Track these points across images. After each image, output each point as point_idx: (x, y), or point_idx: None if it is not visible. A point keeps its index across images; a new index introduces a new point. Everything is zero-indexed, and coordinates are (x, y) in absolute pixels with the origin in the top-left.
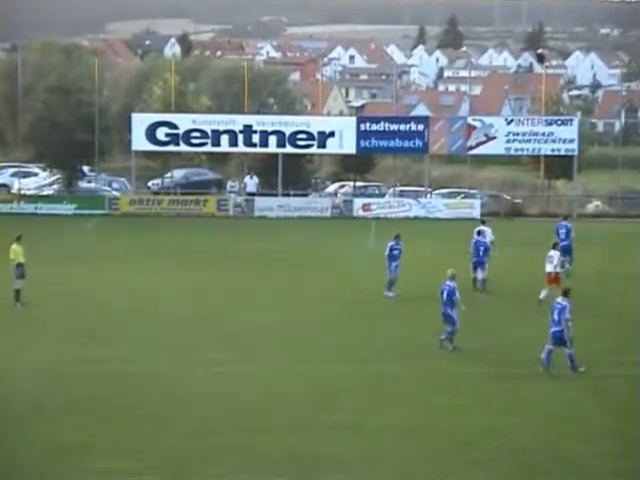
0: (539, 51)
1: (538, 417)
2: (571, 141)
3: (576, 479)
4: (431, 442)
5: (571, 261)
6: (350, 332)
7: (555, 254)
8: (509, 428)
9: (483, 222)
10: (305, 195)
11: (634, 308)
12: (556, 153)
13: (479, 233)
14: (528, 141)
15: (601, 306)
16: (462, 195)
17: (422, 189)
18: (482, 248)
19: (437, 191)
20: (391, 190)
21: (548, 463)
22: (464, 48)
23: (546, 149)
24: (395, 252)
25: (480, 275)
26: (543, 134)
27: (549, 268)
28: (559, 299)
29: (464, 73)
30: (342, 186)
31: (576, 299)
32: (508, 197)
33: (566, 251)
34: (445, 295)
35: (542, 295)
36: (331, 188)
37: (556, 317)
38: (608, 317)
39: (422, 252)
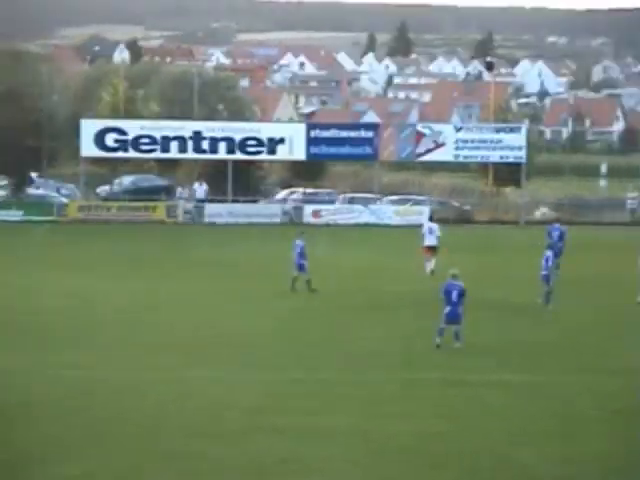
0: (488, 59)
1: (484, 422)
2: (519, 148)
3: None
4: (376, 446)
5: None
6: (301, 338)
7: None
8: (455, 433)
9: (431, 219)
10: (255, 201)
11: (589, 313)
12: (504, 160)
13: (430, 230)
14: (477, 148)
15: (546, 312)
16: (411, 202)
17: (372, 196)
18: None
19: (387, 198)
20: (341, 197)
21: (493, 468)
22: (414, 55)
23: (495, 156)
24: (301, 251)
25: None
26: (492, 141)
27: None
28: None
29: (413, 80)
30: (292, 192)
31: (522, 303)
32: (457, 204)
33: (558, 254)
34: (455, 295)
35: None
36: (281, 194)
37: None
38: (555, 322)
39: (370, 258)
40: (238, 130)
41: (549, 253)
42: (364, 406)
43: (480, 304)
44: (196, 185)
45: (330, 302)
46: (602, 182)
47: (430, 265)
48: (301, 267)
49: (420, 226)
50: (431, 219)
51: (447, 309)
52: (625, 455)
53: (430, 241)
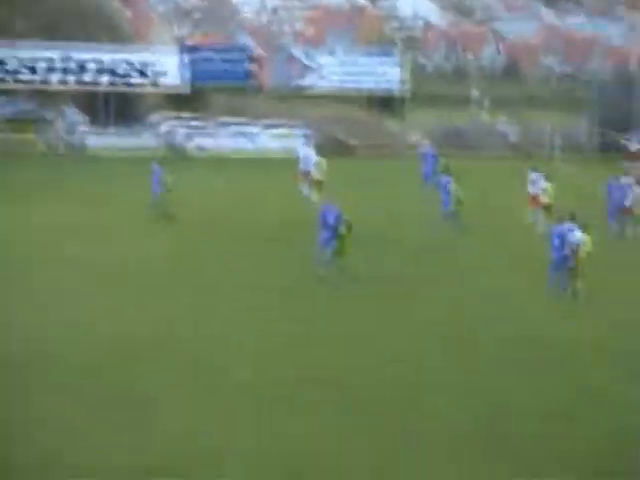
0: None
1: (363, 350)
2: (399, 78)
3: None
4: (261, 393)
5: None
6: (183, 267)
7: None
8: (334, 363)
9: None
10: (137, 133)
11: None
12: (385, 90)
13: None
14: (357, 77)
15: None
16: (289, 129)
17: (249, 122)
18: None
19: (264, 124)
20: (222, 125)
21: (373, 386)
22: None
23: (374, 85)
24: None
25: None
26: (372, 71)
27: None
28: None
29: (295, 4)
30: (170, 120)
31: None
32: (337, 134)
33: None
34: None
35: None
36: (159, 121)
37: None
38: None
39: (249, 185)
40: (119, 60)
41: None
42: (247, 341)
43: (363, 237)
44: (67, 109)
45: (209, 231)
46: (480, 111)
47: (312, 195)
48: (157, 193)
49: (298, 153)
50: (308, 144)
51: (322, 234)
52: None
53: (306, 166)
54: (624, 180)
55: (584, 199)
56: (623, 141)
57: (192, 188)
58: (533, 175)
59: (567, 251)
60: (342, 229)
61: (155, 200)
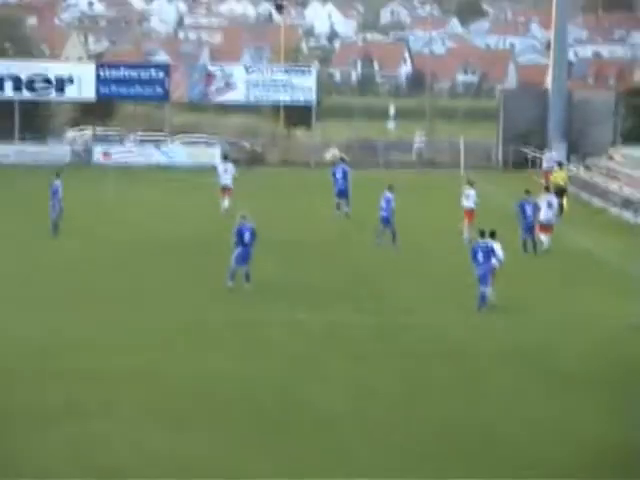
0: (278, 1)
1: (274, 361)
2: (309, 90)
3: (309, 418)
4: (166, 388)
5: (348, 203)
6: (92, 278)
7: (471, 193)
8: (245, 373)
9: (226, 158)
10: (43, 142)
11: (369, 257)
12: (295, 102)
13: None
14: (268, 90)
15: (340, 256)
16: (203, 143)
17: (163, 136)
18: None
19: (178, 138)
20: (132, 137)
21: (282, 407)
22: None
23: (285, 98)
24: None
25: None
26: (282, 83)
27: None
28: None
29: (204, 21)
30: (82, 133)
31: (313, 242)
32: (248, 145)
33: (342, 194)
34: (247, 236)
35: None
36: (70, 134)
37: (481, 258)
38: (348, 265)
39: (161, 199)
40: (25, 69)
41: (389, 195)
42: (155, 347)
43: (273, 245)
44: None
45: (118, 244)
46: (390, 124)
47: (224, 204)
48: (54, 208)
49: (214, 166)
50: (225, 158)
51: (239, 250)
52: (408, 390)
53: (225, 180)
54: (544, 196)
55: (497, 213)
56: (532, 155)
57: (99, 201)
58: (467, 189)
59: (493, 264)
60: (251, 240)
61: (54, 213)
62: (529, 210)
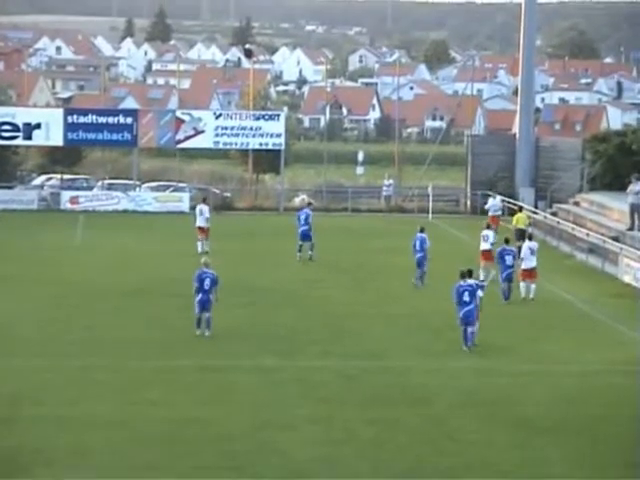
0: (246, 46)
1: (242, 407)
2: (278, 135)
3: (278, 465)
4: (136, 434)
5: (312, 246)
6: (57, 325)
7: (490, 233)
8: (212, 418)
9: (205, 201)
10: (10, 187)
11: (336, 301)
12: (264, 147)
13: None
14: (236, 135)
15: (307, 300)
16: (171, 188)
17: (131, 182)
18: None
19: (146, 184)
20: (99, 183)
21: (252, 452)
22: (173, 42)
23: (254, 143)
24: None
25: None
26: (251, 128)
27: (484, 246)
28: (471, 281)
29: (173, 66)
30: (49, 178)
31: (283, 289)
32: (217, 190)
33: (305, 237)
34: (208, 282)
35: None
36: (38, 180)
37: (467, 298)
38: (315, 309)
39: (129, 245)
40: None
41: (422, 236)
42: (123, 393)
43: (241, 290)
44: None
45: (87, 289)
46: (359, 170)
47: (200, 245)
48: None
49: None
50: (204, 201)
51: (199, 297)
52: (376, 435)
53: (200, 222)
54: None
55: (466, 258)
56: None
57: (67, 246)
58: (485, 232)
59: (474, 304)
60: (211, 287)
61: None
62: (509, 260)
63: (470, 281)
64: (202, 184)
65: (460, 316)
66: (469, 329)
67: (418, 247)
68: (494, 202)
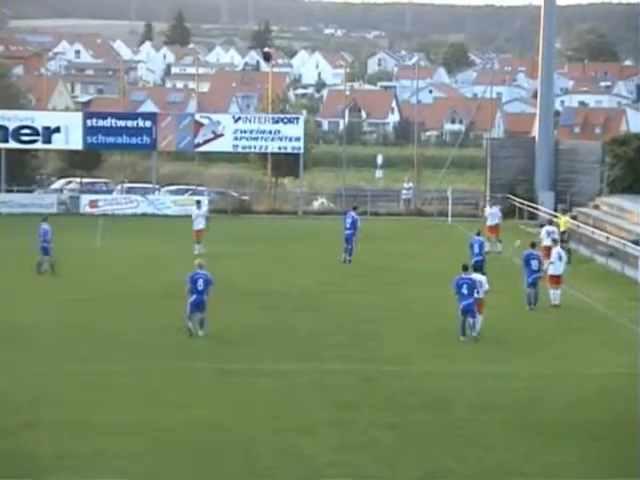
0: (265, 50)
1: (261, 410)
2: (297, 139)
3: (298, 469)
4: (155, 438)
5: (349, 250)
6: (78, 330)
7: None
8: (231, 422)
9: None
10: (30, 191)
11: (355, 304)
12: (283, 151)
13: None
14: (255, 139)
15: (325, 304)
16: (190, 192)
17: (150, 186)
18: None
19: (165, 188)
20: (119, 186)
21: (271, 456)
22: (191, 45)
23: (273, 147)
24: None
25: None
26: (270, 132)
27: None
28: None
29: (191, 70)
30: (69, 182)
31: (297, 293)
32: (235, 194)
33: (346, 241)
34: (202, 283)
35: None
36: (57, 184)
37: (465, 291)
38: (333, 313)
39: (148, 248)
40: (12, 118)
41: (479, 239)
42: (143, 397)
43: (259, 294)
44: None
45: (107, 292)
46: (378, 173)
47: (197, 247)
48: (45, 250)
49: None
50: (198, 203)
51: (192, 297)
52: (396, 440)
53: (197, 225)
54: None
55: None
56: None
57: (86, 249)
58: (546, 229)
59: (476, 297)
60: (205, 288)
61: (42, 258)
62: (535, 264)
63: (470, 275)
64: (221, 188)
65: (460, 308)
66: (470, 320)
67: (477, 250)
68: (493, 210)
